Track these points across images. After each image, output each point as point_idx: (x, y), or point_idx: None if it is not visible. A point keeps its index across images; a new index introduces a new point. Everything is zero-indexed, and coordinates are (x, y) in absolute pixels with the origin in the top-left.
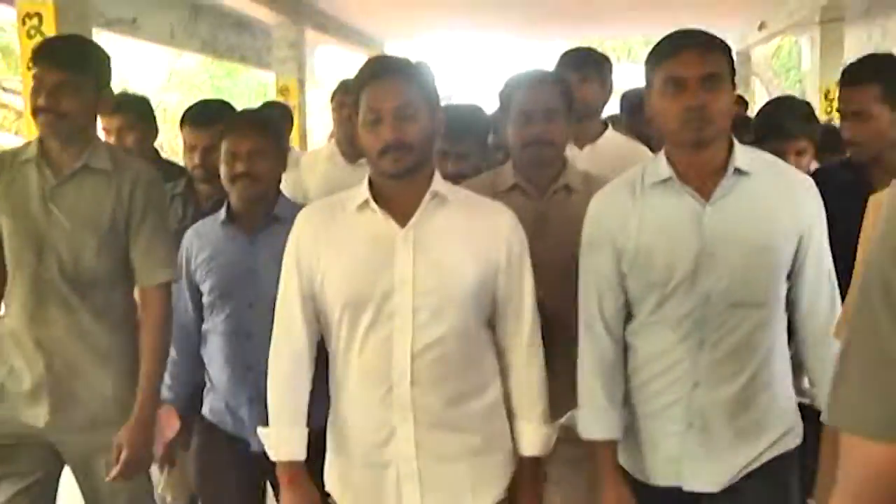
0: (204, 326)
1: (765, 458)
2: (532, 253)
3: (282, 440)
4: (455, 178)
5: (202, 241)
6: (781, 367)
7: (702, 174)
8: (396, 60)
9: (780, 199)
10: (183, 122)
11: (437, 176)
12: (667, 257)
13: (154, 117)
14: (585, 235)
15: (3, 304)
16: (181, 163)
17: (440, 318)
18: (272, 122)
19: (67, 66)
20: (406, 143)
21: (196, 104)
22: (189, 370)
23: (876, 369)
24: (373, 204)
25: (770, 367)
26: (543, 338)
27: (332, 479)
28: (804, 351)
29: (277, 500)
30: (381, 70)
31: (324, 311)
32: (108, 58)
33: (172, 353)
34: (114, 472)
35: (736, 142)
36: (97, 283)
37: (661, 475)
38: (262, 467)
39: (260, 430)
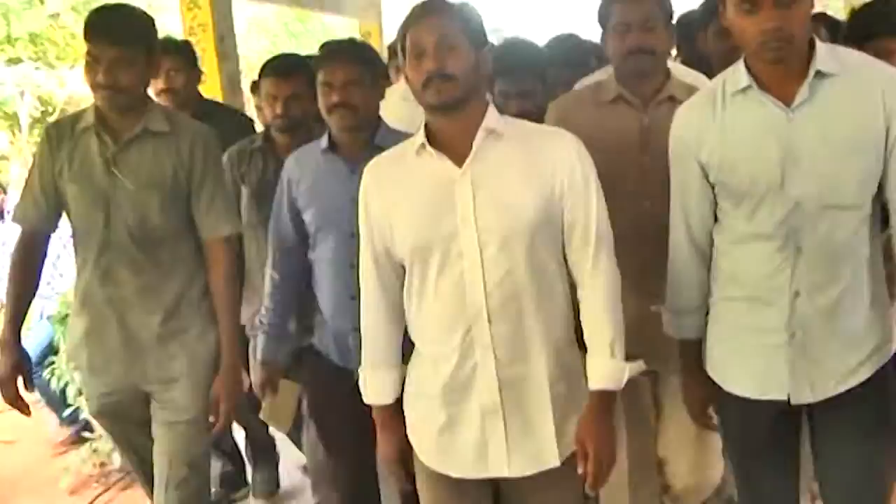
0: (310, 255)
1: (866, 368)
2: (638, 165)
3: (371, 384)
4: (522, 118)
5: (303, 169)
6: (878, 270)
7: (782, 80)
8: (439, 2)
9: (866, 97)
10: (264, 72)
11: (491, 111)
12: (751, 167)
13: (197, 60)
14: (671, 150)
15: (77, 268)
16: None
17: (507, 252)
18: (366, 52)
19: (122, 42)
20: (447, 73)
21: (277, 56)
22: (287, 296)
23: None
24: (429, 147)
25: (869, 270)
26: (656, 253)
27: (411, 420)
28: None
29: None
30: (424, 11)
31: (398, 260)
32: (154, 23)
33: (275, 277)
34: (218, 424)
35: (818, 42)
36: (164, 241)
37: (761, 387)
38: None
39: (360, 373)
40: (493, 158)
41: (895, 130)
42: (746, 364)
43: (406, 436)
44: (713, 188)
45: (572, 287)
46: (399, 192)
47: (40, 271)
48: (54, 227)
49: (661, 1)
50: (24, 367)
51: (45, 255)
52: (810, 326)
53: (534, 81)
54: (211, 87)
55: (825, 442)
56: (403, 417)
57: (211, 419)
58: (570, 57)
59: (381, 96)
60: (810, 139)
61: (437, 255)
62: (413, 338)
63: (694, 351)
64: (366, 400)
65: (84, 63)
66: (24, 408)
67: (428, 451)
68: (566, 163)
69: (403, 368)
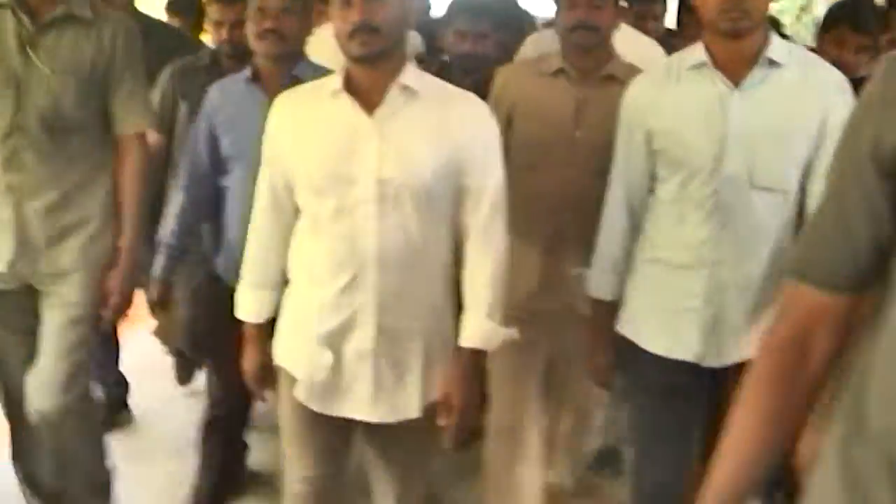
0: (222, 181)
1: None
2: (570, 136)
3: (251, 302)
4: (473, 59)
5: (225, 97)
6: None
7: (736, 62)
8: None
9: (809, 91)
10: None
11: (410, 67)
12: (694, 138)
13: None
14: (621, 116)
15: None
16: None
17: (402, 205)
18: None
19: None
20: (374, 25)
21: None
22: (193, 218)
23: (823, 232)
24: (344, 93)
25: (783, 252)
26: (574, 219)
27: (281, 351)
28: None
29: None
30: None
31: (294, 194)
32: None
33: (183, 200)
34: (105, 318)
35: (774, 34)
36: (74, 130)
37: (671, 346)
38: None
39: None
40: (403, 113)
41: (828, 127)
42: (661, 323)
43: (265, 356)
44: (654, 156)
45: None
46: (307, 130)
47: None
48: None
49: None
50: None
51: None
52: (725, 295)
53: (490, 26)
54: None
55: (720, 408)
56: (269, 337)
57: (101, 313)
58: (510, 21)
59: (310, 29)
60: (751, 121)
61: (333, 198)
62: (294, 273)
63: (608, 312)
64: (240, 315)
65: None
66: None
67: (300, 385)
68: (473, 130)
69: (280, 291)
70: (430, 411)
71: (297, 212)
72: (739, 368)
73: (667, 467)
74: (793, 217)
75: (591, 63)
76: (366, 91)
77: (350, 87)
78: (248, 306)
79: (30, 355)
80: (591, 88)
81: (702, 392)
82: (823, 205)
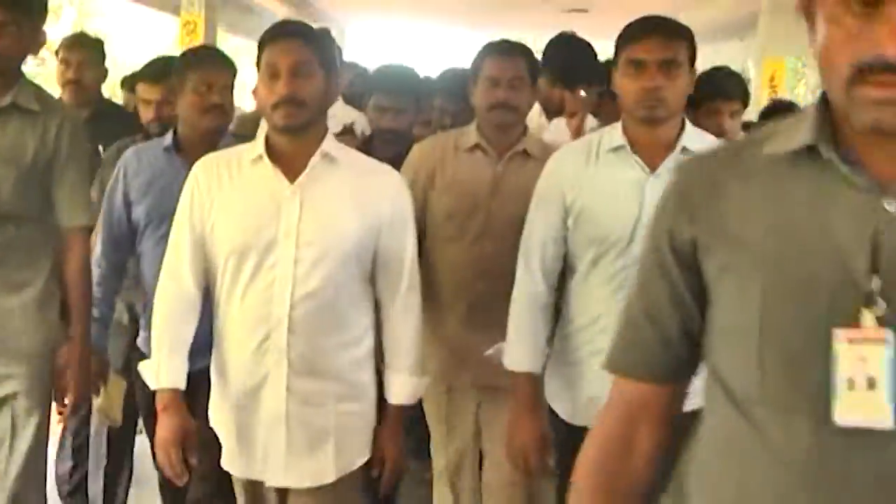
0: (140, 247)
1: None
2: (486, 209)
3: (161, 369)
4: (392, 133)
5: (142, 163)
6: None
7: (652, 148)
8: (296, 23)
9: None
10: (137, 78)
11: (330, 137)
12: (608, 218)
13: (105, 59)
14: (539, 187)
15: None
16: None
17: (320, 269)
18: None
19: (10, 6)
20: (299, 99)
21: (150, 62)
22: (115, 285)
23: (635, 324)
24: (266, 159)
25: None
26: (488, 290)
27: (214, 416)
28: None
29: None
30: (281, 31)
31: (210, 258)
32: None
33: (103, 268)
34: (67, 411)
35: (688, 123)
36: (12, 217)
37: (585, 416)
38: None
39: (141, 364)
40: (324, 180)
41: None
42: (574, 392)
43: (187, 421)
44: (568, 230)
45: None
46: (227, 194)
47: None
48: None
49: (530, 62)
50: None
51: None
52: None
53: (408, 101)
54: None
55: None
56: (185, 404)
57: (65, 400)
58: (458, 89)
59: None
60: None
61: (252, 260)
62: (215, 336)
63: (530, 384)
64: (156, 385)
65: None
66: None
67: (226, 450)
68: (390, 198)
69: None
70: (347, 472)
71: (207, 274)
72: None
73: None
74: None
75: (507, 139)
76: (287, 158)
77: (271, 154)
78: (168, 374)
79: None
80: (507, 164)
81: None
82: (633, 297)
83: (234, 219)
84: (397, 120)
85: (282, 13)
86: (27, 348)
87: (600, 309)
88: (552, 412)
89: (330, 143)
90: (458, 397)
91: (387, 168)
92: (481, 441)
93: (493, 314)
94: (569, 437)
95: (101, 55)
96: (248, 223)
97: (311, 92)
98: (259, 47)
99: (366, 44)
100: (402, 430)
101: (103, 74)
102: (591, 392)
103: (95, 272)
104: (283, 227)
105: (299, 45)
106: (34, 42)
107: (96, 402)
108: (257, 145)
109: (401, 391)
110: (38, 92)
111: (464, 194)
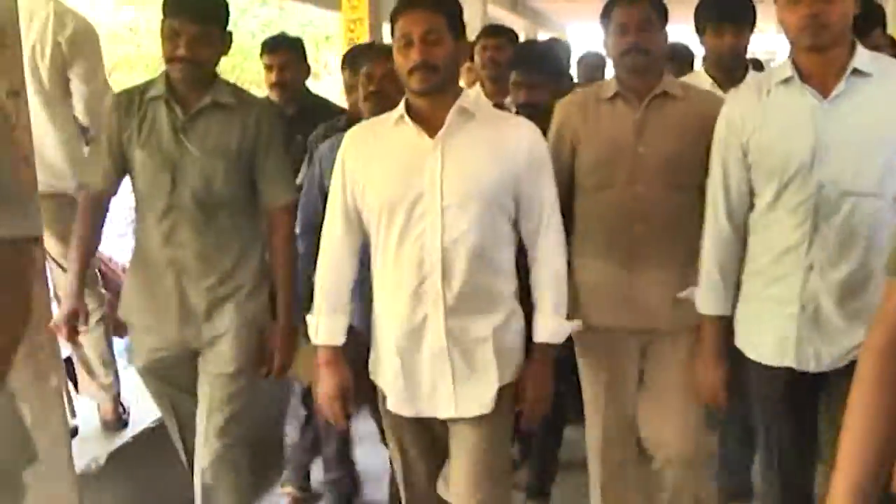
0: None
1: None
2: (633, 154)
3: (321, 326)
4: (527, 107)
5: (334, 151)
6: None
7: (823, 74)
8: None
9: (895, 99)
10: (342, 66)
11: (466, 92)
12: (785, 148)
13: (306, 56)
14: (718, 132)
15: (137, 230)
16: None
17: (465, 215)
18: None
19: (203, 20)
20: (431, 64)
21: (348, 51)
22: (312, 263)
23: None
24: (407, 119)
25: (880, 255)
26: (645, 232)
27: (373, 366)
28: None
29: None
30: (411, 2)
31: (366, 216)
32: (228, 5)
33: (300, 248)
34: (274, 373)
35: (859, 45)
36: (224, 206)
37: (776, 355)
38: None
39: (308, 317)
40: (462, 134)
41: None
42: (764, 332)
43: (346, 375)
44: (749, 168)
45: (521, 252)
46: (374, 155)
47: (101, 231)
48: (116, 190)
49: (657, 5)
50: (81, 315)
51: (106, 215)
52: (820, 300)
53: (544, 77)
54: None
55: (835, 409)
56: (346, 359)
57: (264, 371)
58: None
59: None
60: (840, 130)
61: (402, 213)
62: (375, 289)
63: (718, 329)
64: (317, 341)
65: (162, 36)
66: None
67: (388, 392)
68: (525, 147)
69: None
70: (502, 401)
71: (365, 236)
72: (846, 372)
73: (792, 473)
74: (892, 220)
75: (644, 84)
76: (427, 117)
77: (411, 114)
78: (328, 331)
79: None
80: (647, 108)
81: (813, 398)
82: None
83: (383, 176)
84: (531, 95)
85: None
86: (238, 327)
87: (787, 243)
88: (739, 352)
89: (466, 100)
90: (620, 345)
91: (521, 119)
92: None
93: (655, 255)
94: (761, 378)
95: (301, 54)
96: (396, 179)
97: (442, 57)
98: (392, 18)
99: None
100: (547, 370)
101: (305, 71)
102: (786, 332)
103: (301, 248)
104: (428, 179)
105: (429, 14)
106: (226, 45)
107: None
108: (399, 108)
109: (546, 330)
110: (234, 88)
111: (608, 142)
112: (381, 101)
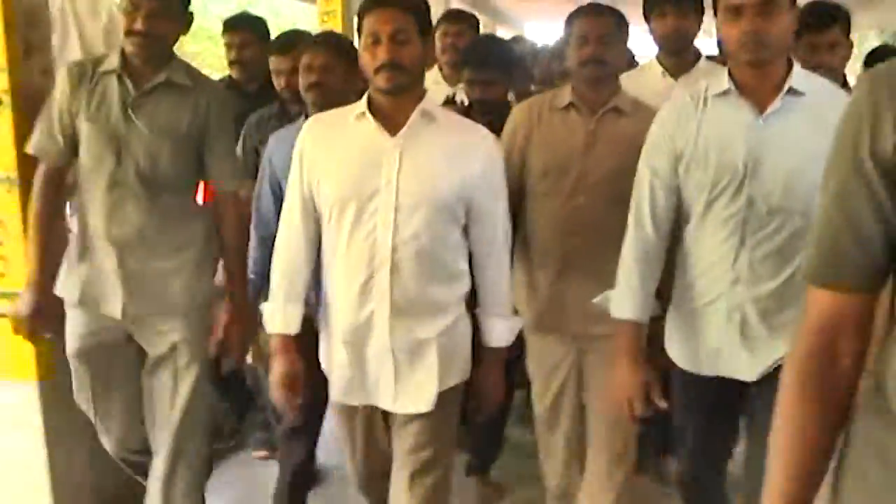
0: None
1: None
2: (580, 166)
3: (276, 314)
4: (482, 104)
5: (283, 142)
6: None
7: (760, 90)
8: None
9: (829, 118)
10: (269, 50)
11: (429, 96)
12: (719, 161)
13: (269, 37)
14: (650, 139)
15: (78, 205)
16: None
17: (417, 217)
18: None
19: None
20: (398, 63)
21: (279, 35)
22: (267, 252)
23: (834, 236)
24: (368, 115)
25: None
26: (583, 244)
27: (325, 359)
28: None
29: None
30: (380, 0)
31: (320, 208)
32: None
33: (254, 239)
34: (223, 354)
35: (796, 64)
36: (169, 185)
37: (706, 365)
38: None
39: (262, 306)
40: (422, 136)
41: None
42: (694, 342)
43: (298, 364)
44: (678, 180)
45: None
46: (333, 148)
47: (62, 209)
48: (70, 162)
49: (619, 20)
50: (48, 309)
51: (63, 190)
52: (746, 312)
53: (497, 74)
54: None
55: (757, 411)
56: (297, 346)
57: (217, 353)
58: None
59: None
60: (774, 147)
61: (354, 208)
62: (324, 281)
63: (635, 333)
64: (272, 330)
65: (122, 9)
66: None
67: (334, 383)
68: (482, 156)
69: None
70: (445, 395)
71: (318, 227)
72: (772, 380)
73: (712, 476)
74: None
75: (599, 97)
76: (389, 115)
77: (373, 111)
78: (283, 320)
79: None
80: (599, 121)
81: (736, 407)
82: (828, 212)
83: (340, 170)
84: (487, 91)
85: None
86: (184, 306)
87: (715, 256)
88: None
89: (429, 103)
90: (556, 346)
91: (480, 128)
92: (581, 392)
93: (588, 267)
94: (687, 385)
95: (264, 33)
96: (353, 173)
97: (410, 57)
98: (360, 15)
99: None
100: (501, 369)
101: (264, 51)
102: (712, 342)
103: (252, 242)
104: (385, 177)
105: (398, 13)
106: (186, 23)
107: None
108: (360, 104)
109: (498, 334)
110: (189, 69)
111: (558, 151)
112: (323, 93)
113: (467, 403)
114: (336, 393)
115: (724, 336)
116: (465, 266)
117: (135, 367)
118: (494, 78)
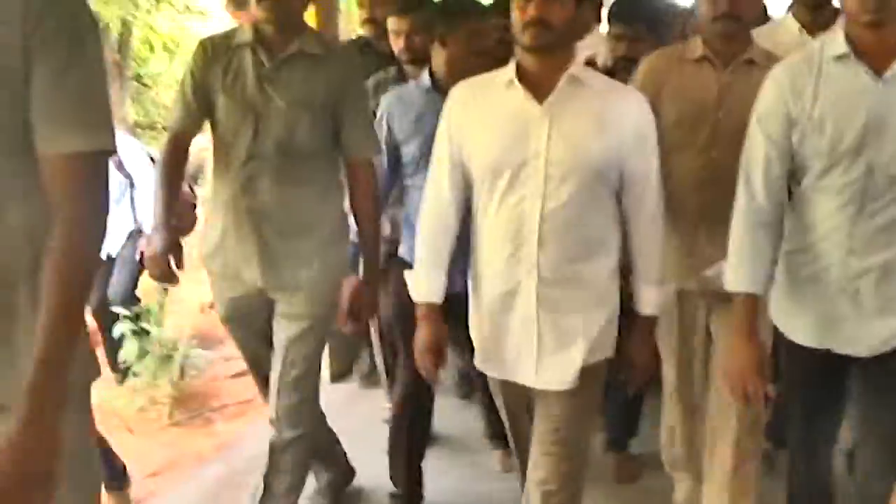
0: (408, 182)
1: None
2: (714, 118)
3: (421, 282)
4: (629, 61)
5: (405, 105)
6: None
7: (879, 51)
8: None
9: None
10: (388, 11)
11: (577, 60)
12: (836, 127)
13: None
14: (762, 102)
15: (216, 177)
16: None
17: (567, 186)
18: None
19: None
20: (546, 20)
21: None
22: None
23: None
24: (517, 82)
25: None
26: (717, 198)
27: (471, 322)
28: None
29: None
30: None
31: (469, 176)
32: None
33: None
34: (354, 326)
35: None
36: (307, 156)
37: (813, 337)
38: (453, 309)
39: (406, 272)
40: (571, 102)
41: None
42: (802, 313)
43: (442, 330)
44: (792, 145)
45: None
46: (482, 116)
47: (184, 168)
48: (198, 130)
49: None
50: (177, 247)
51: (187, 154)
52: (860, 284)
53: (643, 30)
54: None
55: (867, 392)
56: (443, 315)
57: (347, 325)
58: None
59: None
60: (893, 112)
61: (505, 177)
62: (473, 248)
63: (750, 306)
64: (416, 297)
65: None
66: (173, 280)
67: (478, 349)
68: (633, 120)
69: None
70: (590, 372)
71: (468, 193)
72: (885, 357)
73: (822, 456)
74: None
75: (731, 49)
76: (536, 81)
77: (521, 77)
78: (427, 286)
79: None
80: (732, 73)
81: (844, 379)
82: None
83: (489, 139)
84: (631, 48)
85: None
86: (316, 281)
87: (829, 224)
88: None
89: (578, 68)
90: (688, 304)
91: (631, 90)
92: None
93: (722, 222)
94: (794, 358)
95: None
96: (502, 143)
97: (560, 15)
98: None
99: None
100: (651, 339)
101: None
102: (822, 314)
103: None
104: (533, 146)
105: None
106: None
107: None
108: (509, 70)
109: (649, 301)
110: (321, 38)
111: (690, 103)
112: (414, 56)
113: (612, 377)
114: (479, 362)
115: (836, 308)
116: (616, 238)
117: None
118: (640, 35)
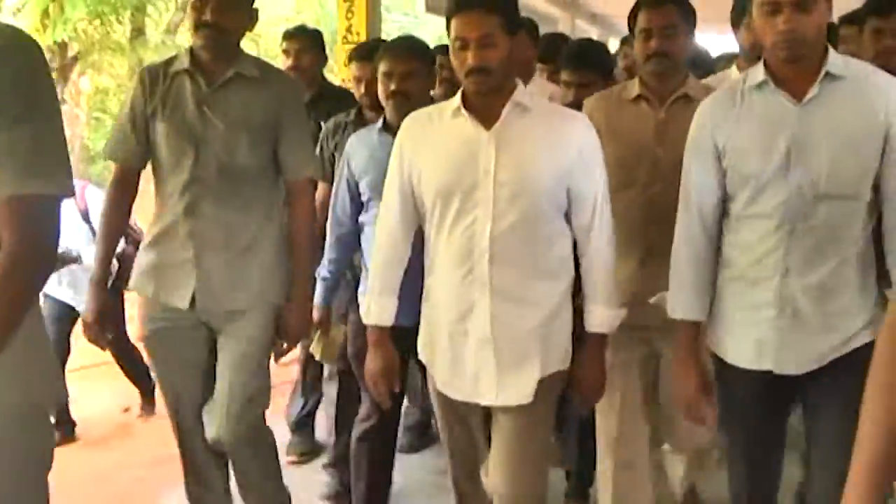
0: (361, 218)
1: (850, 346)
2: (653, 156)
3: (373, 306)
4: (577, 107)
5: (361, 144)
6: (868, 258)
7: (796, 78)
8: None
9: (870, 99)
10: (350, 58)
11: (521, 88)
12: (761, 152)
13: (324, 46)
14: (692, 136)
15: (157, 204)
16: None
17: (516, 207)
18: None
19: None
20: (486, 69)
21: (361, 43)
22: (342, 252)
23: None
24: (463, 111)
25: (858, 256)
26: (661, 235)
27: (422, 346)
28: (890, 241)
29: None
30: (465, 3)
31: (421, 203)
32: None
33: (330, 238)
34: (283, 348)
35: (830, 49)
36: (248, 178)
37: (754, 358)
38: (403, 343)
39: (359, 297)
40: (517, 127)
41: (894, 131)
42: (742, 336)
43: (393, 356)
44: (724, 174)
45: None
46: (432, 143)
47: (130, 207)
48: (143, 164)
49: (683, 10)
50: (111, 310)
51: (135, 193)
52: (797, 303)
53: (593, 75)
54: None
55: (812, 411)
56: (391, 339)
57: (283, 346)
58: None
59: (432, 86)
60: (816, 133)
61: (456, 201)
62: (427, 273)
63: (691, 332)
64: (368, 321)
65: (190, 5)
66: (102, 346)
67: (436, 373)
68: (577, 141)
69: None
70: (544, 385)
71: (416, 222)
72: (822, 375)
73: (762, 478)
74: (868, 222)
75: (667, 87)
76: (483, 109)
77: (468, 106)
78: (378, 312)
79: (203, 390)
80: (669, 110)
81: (786, 402)
82: None
83: (439, 165)
84: (581, 93)
85: None
86: (255, 303)
87: (765, 246)
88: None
89: (521, 95)
90: (633, 339)
91: (575, 113)
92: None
93: (668, 259)
94: (734, 383)
95: (319, 42)
96: (451, 167)
97: (497, 59)
98: (447, 17)
99: None
100: (601, 357)
101: (322, 60)
102: (762, 335)
103: (329, 241)
104: (482, 169)
105: (483, 16)
106: (252, 19)
107: (316, 347)
108: (455, 100)
109: (599, 321)
110: (257, 61)
111: (629, 142)
112: (404, 102)
113: (561, 408)
114: (439, 383)
115: (778, 329)
116: (567, 256)
117: (205, 346)
118: (590, 81)
